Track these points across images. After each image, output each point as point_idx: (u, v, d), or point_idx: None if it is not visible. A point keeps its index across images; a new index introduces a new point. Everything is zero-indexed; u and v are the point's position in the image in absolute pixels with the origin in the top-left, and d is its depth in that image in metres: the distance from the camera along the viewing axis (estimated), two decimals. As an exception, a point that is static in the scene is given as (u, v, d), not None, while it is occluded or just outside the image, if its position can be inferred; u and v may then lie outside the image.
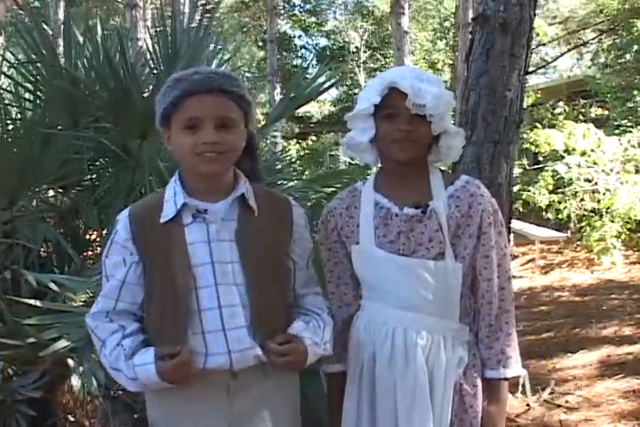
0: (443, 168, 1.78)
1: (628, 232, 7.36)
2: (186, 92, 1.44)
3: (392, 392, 1.57)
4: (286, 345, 1.48)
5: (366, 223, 1.60)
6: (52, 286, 2.18)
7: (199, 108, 1.44)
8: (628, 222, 7.32)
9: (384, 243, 1.58)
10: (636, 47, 10.84)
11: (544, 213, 8.11)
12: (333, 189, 2.95)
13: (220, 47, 3.23)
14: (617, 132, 8.66)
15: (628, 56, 11.09)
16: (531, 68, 2.50)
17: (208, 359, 1.46)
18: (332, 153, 15.44)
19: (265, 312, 1.49)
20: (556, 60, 17.42)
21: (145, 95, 2.58)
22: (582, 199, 7.72)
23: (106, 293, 1.53)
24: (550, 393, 3.64)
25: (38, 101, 2.80)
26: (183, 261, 1.47)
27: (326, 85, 3.15)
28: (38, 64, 2.75)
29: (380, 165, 1.71)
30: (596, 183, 7.70)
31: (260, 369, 1.50)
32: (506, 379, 1.62)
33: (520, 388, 1.79)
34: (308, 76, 3.41)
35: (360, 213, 1.62)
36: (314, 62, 22.63)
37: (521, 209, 8.18)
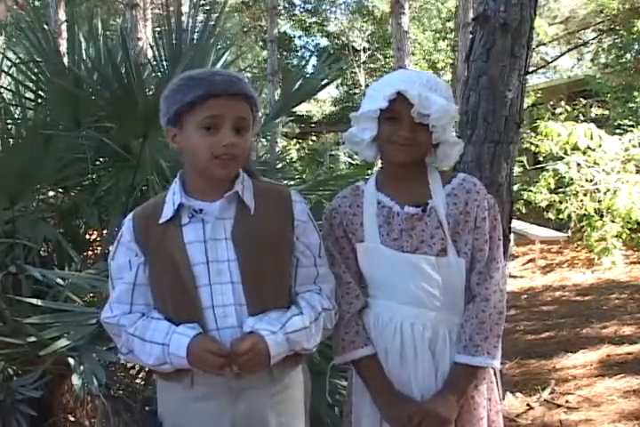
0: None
1: (628, 232, 7.35)
2: (210, 93, 1.43)
3: (408, 386, 1.60)
4: (239, 342, 1.42)
5: (371, 222, 1.64)
6: (60, 281, 2.19)
7: (222, 108, 1.44)
8: (628, 222, 7.31)
9: (388, 241, 1.62)
10: (636, 47, 10.83)
11: (544, 212, 8.09)
12: (333, 192, 2.93)
13: (222, 47, 3.21)
14: (617, 132, 8.65)
15: (628, 56, 11.07)
16: (531, 68, 2.50)
17: None
18: (333, 153, 15.42)
19: (263, 310, 1.48)
20: (556, 60, 17.42)
21: (147, 94, 2.58)
22: (583, 199, 7.71)
23: (118, 297, 1.52)
24: (550, 393, 3.64)
25: (40, 101, 2.80)
26: (183, 261, 1.47)
27: (324, 83, 3.14)
28: (40, 63, 2.75)
29: (380, 166, 1.75)
30: (597, 183, 7.69)
31: (265, 371, 1.49)
32: (470, 366, 1.59)
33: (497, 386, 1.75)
34: (306, 75, 3.39)
35: (364, 211, 1.66)
36: (314, 62, 22.64)
37: (521, 209, 8.16)
